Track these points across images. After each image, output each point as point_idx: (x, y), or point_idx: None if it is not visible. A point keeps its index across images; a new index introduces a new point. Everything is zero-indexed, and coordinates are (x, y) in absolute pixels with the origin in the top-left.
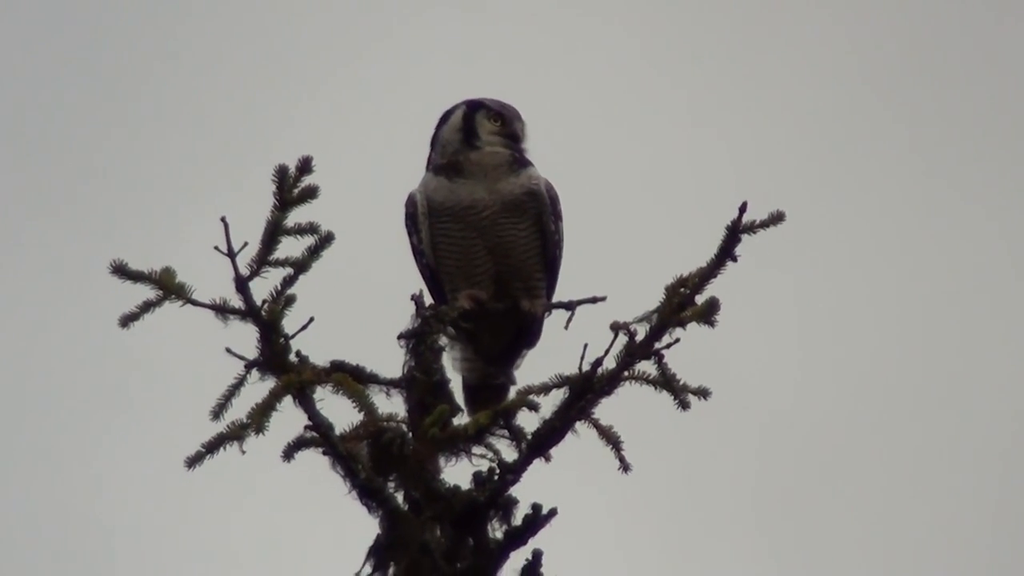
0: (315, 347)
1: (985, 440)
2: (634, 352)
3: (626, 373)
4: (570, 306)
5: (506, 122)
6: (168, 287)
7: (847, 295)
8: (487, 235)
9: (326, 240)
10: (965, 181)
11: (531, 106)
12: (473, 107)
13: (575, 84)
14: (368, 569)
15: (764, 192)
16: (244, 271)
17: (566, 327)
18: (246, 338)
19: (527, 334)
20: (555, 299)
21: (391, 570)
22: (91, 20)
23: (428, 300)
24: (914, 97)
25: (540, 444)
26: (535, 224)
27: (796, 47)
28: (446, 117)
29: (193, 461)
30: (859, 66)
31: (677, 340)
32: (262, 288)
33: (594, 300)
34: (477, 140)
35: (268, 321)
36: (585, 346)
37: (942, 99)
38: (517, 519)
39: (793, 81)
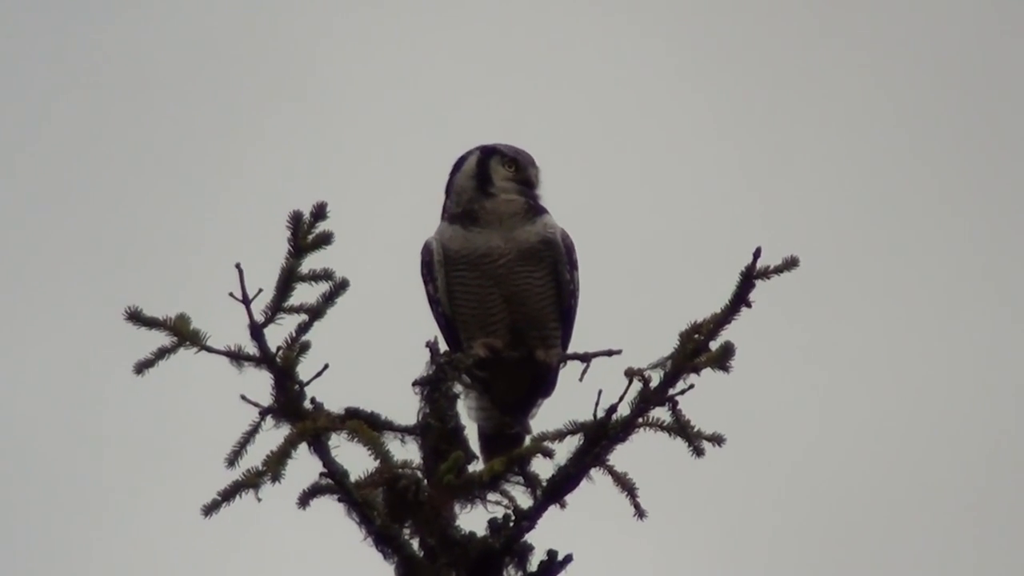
0: (330, 394)
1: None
2: (648, 398)
3: (640, 420)
4: (585, 358)
5: (520, 168)
6: (183, 333)
7: (868, 342)
8: (503, 284)
9: (341, 287)
10: (991, 225)
11: (545, 150)
12: (487, 153)
13: (591, 127)
14: None
15: (782, 239)
16: (259, 318)
17: (580, 379)
18: (261, 385)
19: (542, 383)
20: (570, 348)
21: None
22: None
23: (443, 347)
24: (956, 152)
25: (555, 491)
26: (551, 273)
27: (822, 89)
28: (460, 164)
29: (209, 509)
30: (891, 109)
31: (691, 386)
32: (277, 335)
33: (609, 353)
34: (491, 187)
35: (283, 368)
36: (600, 392)
37: (985, 152)
38: (533, 566)
39: (820, 124)
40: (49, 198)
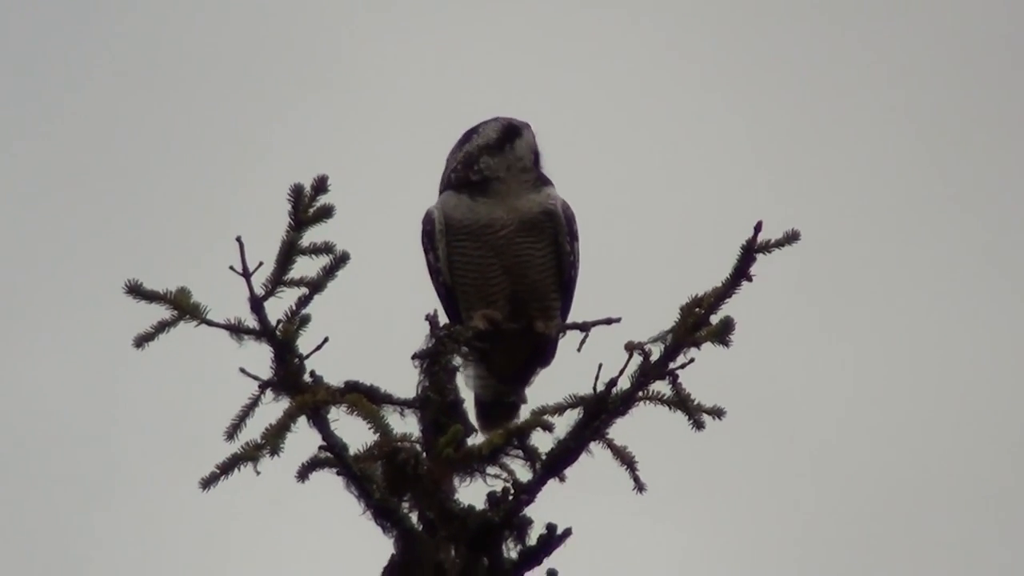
0: (329, 367)
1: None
2: (648, 372)
3: (640, 393)
4: (584, 327)
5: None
6: (183, 307)
7: (887, 324)
8: (503, 254)
9: (341, 260)
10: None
11: (548, 123)
12: (521, 126)
13: (591, 101)
14: None
15: (793, 216)
16: (259, 291)
17: (579, 349)
18: (261, 358)
19: (541, 354)
20: (570, 320)
21: None
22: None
23: (442, 320)
24: (984, 135)
25: (554, 464)
26: (551, 244)
27: (844, 70)
28: (468, 136)
29: (208, 482)
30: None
31: (692, 360)
32: (277, 308)
33: (608, 321)
34: (540, 162)
35: (283, 341)
36: (600, 366)
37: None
38: (532, 539)
39: (836, 105)
40: (59, 176)
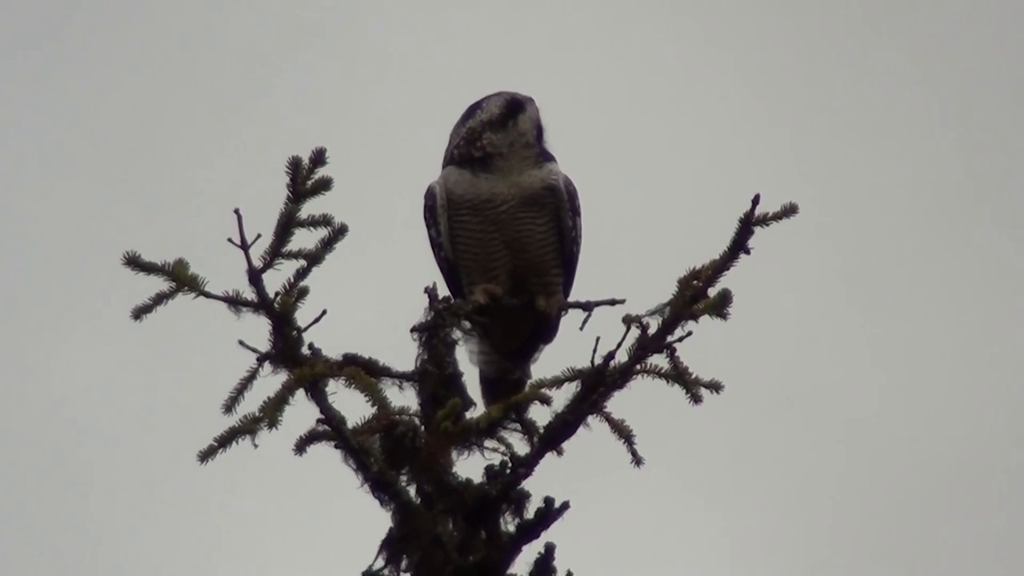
0: (328, 340)
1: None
2: (646, 345)
3: (638, 367)
4: (587, 307)
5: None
6: (181, 279)
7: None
8: (505, 229)
9: (339, 232)
10: None
11: (551, 99)
12: (525, 101)
13: (596, 76)
14: (381, 562)
15: (787, 187)
16: (257, 263)
17: (581, 328)
18: (259, 331)
19: (543, 330)
20: (572, 296)
21: (404, 563)
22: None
23: (442, 293)
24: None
25: (552, 438)
26: (553, 219)
27: (808, 42)
28: (471, 112)
29: (206, 455)
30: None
31: (690, 333)
32: (275, 280)
33: (612, 302)
34: (544, 135)
35: (281, 314)
36: (597, 339)
37: None
38: (529, 512)
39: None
40: (59, 154)
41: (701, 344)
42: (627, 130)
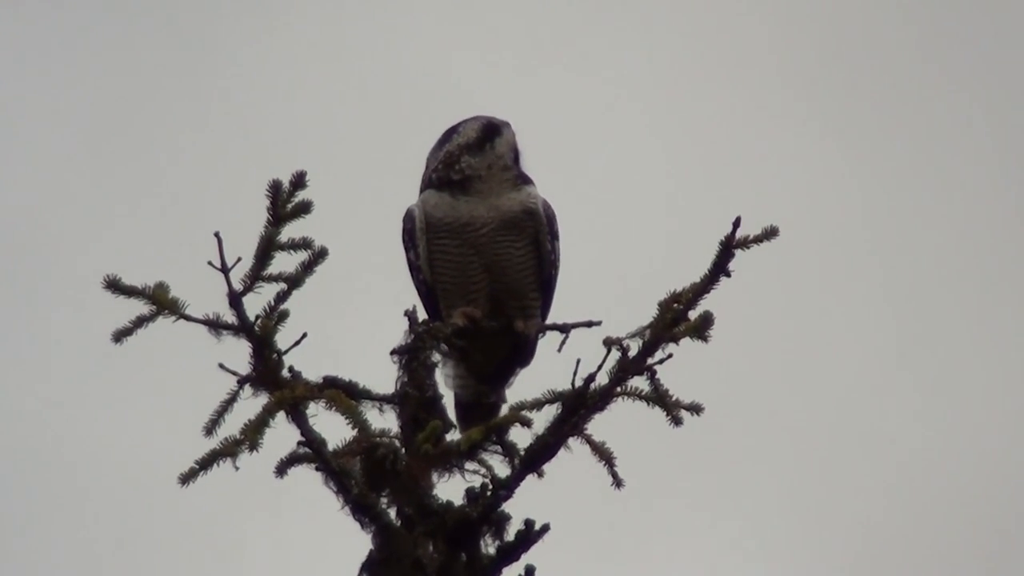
0: (308, 363)
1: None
2: (627, 368)
3: (619, 389)
4: (564, 328)
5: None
6: (161, 302)
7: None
8: (484, 252)
9: (320, 255)
10: None
11: (529, 122)
12: (499, 125)
13: (574, 100)
14: None
15: (770, 209)
16: (238, 286)
17: (559, 350)
18: (239, 354)
19: (521, 353)
20: (549, 319)
21: None
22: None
23: (421, 316)
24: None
25: (533, 460)
26: (532, 243)
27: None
28: (449, 136)
29: (187, 478)
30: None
31: (670, 355)
32: (255, 304)
33: (589, 324)
34: (520, 159)
35: (261, 337)
36: (578, 361)
37: None
38: (510, 535)
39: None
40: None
41: (684, 366)
42: (606, 150)
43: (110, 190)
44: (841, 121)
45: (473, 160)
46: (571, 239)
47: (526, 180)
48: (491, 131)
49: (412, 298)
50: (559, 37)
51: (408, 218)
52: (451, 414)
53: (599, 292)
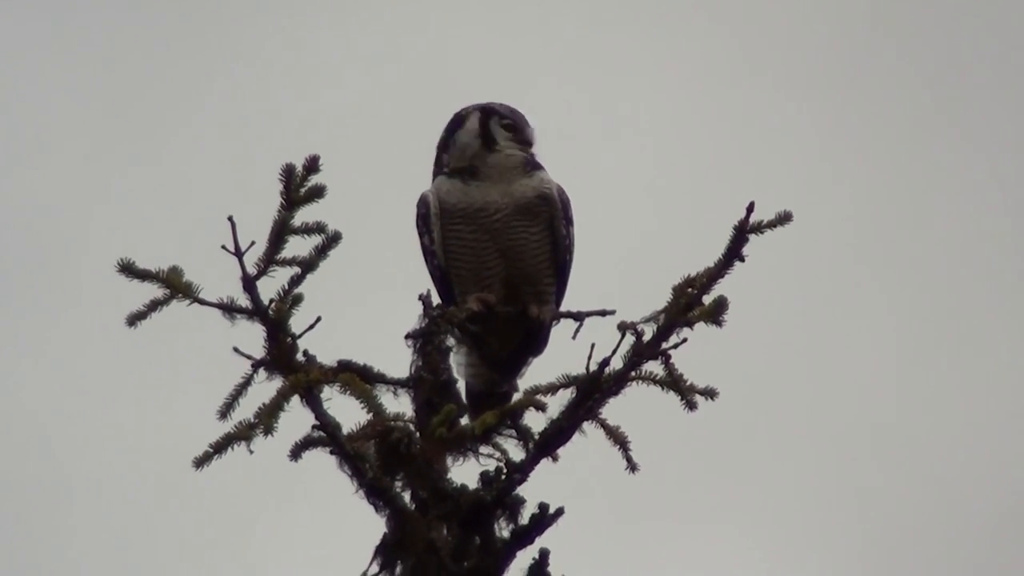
0: (322, 346)
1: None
2: (641, 352)
3: (633, 373)
4: (579, 317)
5: (517, 129)
6: (175, 286)
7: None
8: (499, 238)
9: (333, 239)
10: None
11: (547, 107)
12: (487, 112)
13: (593, 85)
14: (375, 568)
15: (777, 194)
16: (251, 270)
17: (573, 337)
18: (253, 338)
19: (534, 340)
20: (564, 305)
21: (398, 569)
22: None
23: (436, 300)
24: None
25: (547, 444)
26: (546, 228)
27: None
28: (458, 121)
29: (201, 461)
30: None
31: (684, 340)
32: (269, 287)
33: (603, 313)
34: (496, 144)
35: (275, 320)
36: (592, 346)
37: None
38: (524, 518)
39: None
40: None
41: (698, 351)
42: (619, 139)
43: (124, 174)
44: (857, 112)
45: (449, 156)
46: (585, 226)
47: (536, 166)
48: (454, 125)
49: (426, 282)
50: (574, 28)
51: (422, 203)
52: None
53: (612, 278)
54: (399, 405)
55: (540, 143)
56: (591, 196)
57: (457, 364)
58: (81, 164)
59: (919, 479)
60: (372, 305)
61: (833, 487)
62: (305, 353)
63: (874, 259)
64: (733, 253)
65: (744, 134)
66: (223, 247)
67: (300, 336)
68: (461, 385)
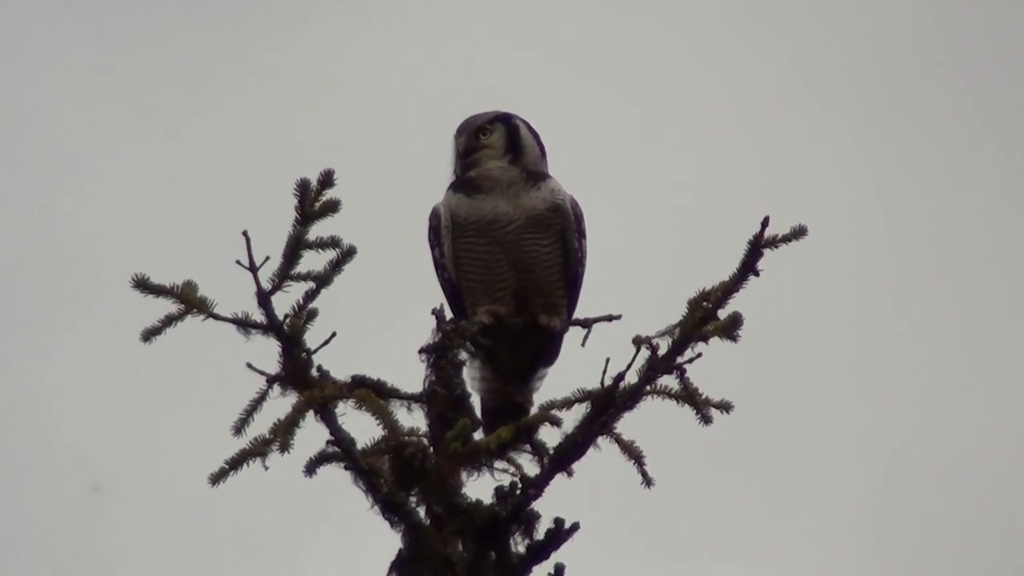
0: (337, 362)
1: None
2: (656, 366)
3: (648, 387)
4: (586, 323)
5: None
6: (190, 301)
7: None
8: (511, 250)
9: (348, 254)
10: None
11: (555, 117)
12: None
13: (603, 94)
14: None
15: (790, 205)
16: (266, 285)
17: (583, 344)
18: (268, 353)
19: (546, 351)
20: (574, 317)
21: None
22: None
23: (448, 314)
24: None
25: (562, 459)
26: (559, 240)
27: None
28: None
29: (217, 478)
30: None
31: (699, 355)
32: (284, 303)
33: (610, 318)
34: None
35: (290, 336)
36: (607, 360)
37: None
38: (539, 533)
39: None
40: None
41: (713, 365)
42: (630, 149)
43: (138, 189)
44: (872, 122)
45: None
46: (597, 238)
47: (539, 177)
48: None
49: (440, 296)
50: (587, 36)
51: (434, 216)
52: (478, 410)
53: (626, 291)
54: (413, 420)
55: (466, 154)
56: (605, 208)
57: (471, 379)
58: (96, 177)
59: (936, 493)
60: (386, 320)
61: (851, 502)
62: (320, 368)
63: (904, 273)
64: (748, 267)
65: (762, 144)
66: (238, 262)
67: (315, 351)
68: (475, 400)
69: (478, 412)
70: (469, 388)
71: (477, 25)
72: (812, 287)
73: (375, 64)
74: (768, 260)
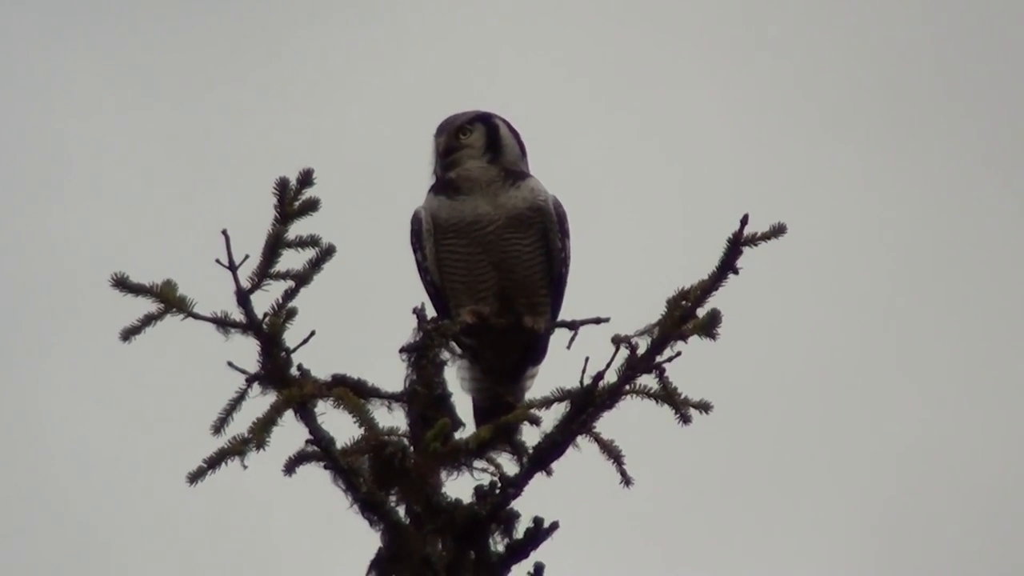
0: (316, 361)
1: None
2: (635, 366)
3: (627, 387)
4: (573, 325)
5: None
6: (169, 300)
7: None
8: (492, 250)
9: (327, 253)
10: None
11: (555, 123)
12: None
13: (584, 95)
14: None
15: (774, 208)
16: (245, 284)
17: (568, 347)
18: (247, 352)
19: (532, 351)
20: (560, 318)
21: None
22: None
23: (430, 314)
24: None
25: (542, 458)
26: (540, 240)
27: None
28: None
29: (195, 476)
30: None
31: (679, 354)
32: (263, 301)
33: (597, 321)
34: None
35: (269, 335)
36: (587, 360)
37: None
38: (519, 533)
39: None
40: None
41: (693, 364)
42: (615, 149)
43: (118, 187)
44: (855, 124)
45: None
46: (581, 238)
47: (519, 176)
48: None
49: (420, 295)
50: (587, 39)
51: (415, 220)
52: (467, 416)
53: (611, 292)
54: (393, 419)
55: (448, 152)
56: (589, 208)
57: (461, 379)
58: (74, 176)
59: (936, 492)
60: (366, 319)
61: (845, 502)
62: (299, 367)
63: (908, 277)
64: (727, 265)
65: (744, 144)
66: (217, 261)
67: (294, 350)
68: (465, 400)
69: (461, 412)
70: (459, 388)
71: (477, 27)
72: (813, 288)
73: (367, 66)
74: (773, 264)
